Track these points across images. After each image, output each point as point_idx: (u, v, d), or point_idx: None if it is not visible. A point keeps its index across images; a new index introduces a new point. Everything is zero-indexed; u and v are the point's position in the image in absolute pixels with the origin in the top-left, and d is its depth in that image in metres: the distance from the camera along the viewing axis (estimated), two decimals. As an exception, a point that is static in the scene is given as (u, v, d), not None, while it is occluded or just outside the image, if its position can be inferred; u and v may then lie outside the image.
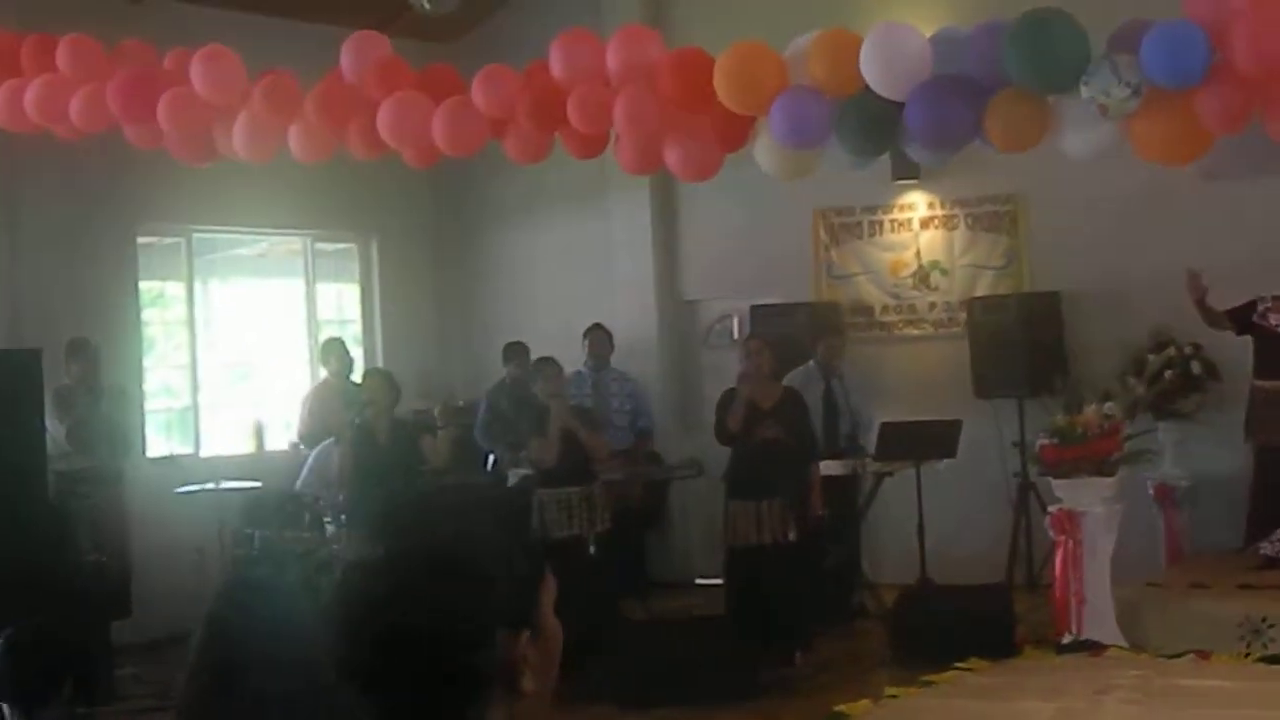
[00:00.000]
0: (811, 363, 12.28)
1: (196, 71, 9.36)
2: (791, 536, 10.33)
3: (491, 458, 13.07)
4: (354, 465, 10.36)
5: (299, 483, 11.74)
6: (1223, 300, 11.25)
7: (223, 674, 2.78)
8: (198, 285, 13.41)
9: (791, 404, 10.75)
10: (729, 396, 10.68)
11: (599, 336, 13.23)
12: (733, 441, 10.64)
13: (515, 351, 13.24)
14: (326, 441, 11.20)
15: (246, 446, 12.88)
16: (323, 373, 13.24)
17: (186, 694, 2.91)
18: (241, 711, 2.66)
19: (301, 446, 12.69)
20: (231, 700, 2.71)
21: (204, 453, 13.04)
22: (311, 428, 12.44)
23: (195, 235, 13.32)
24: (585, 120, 8.75)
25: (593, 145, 9.26)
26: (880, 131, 8.26)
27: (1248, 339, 11.35)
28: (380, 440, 10.44)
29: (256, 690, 2.95)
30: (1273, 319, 11.25)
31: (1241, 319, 11.30)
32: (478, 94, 8.90)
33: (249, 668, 2.95)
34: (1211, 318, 11.29)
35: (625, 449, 12.72)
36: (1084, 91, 7.59)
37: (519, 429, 11.59)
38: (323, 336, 14.05)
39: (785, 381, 11.96)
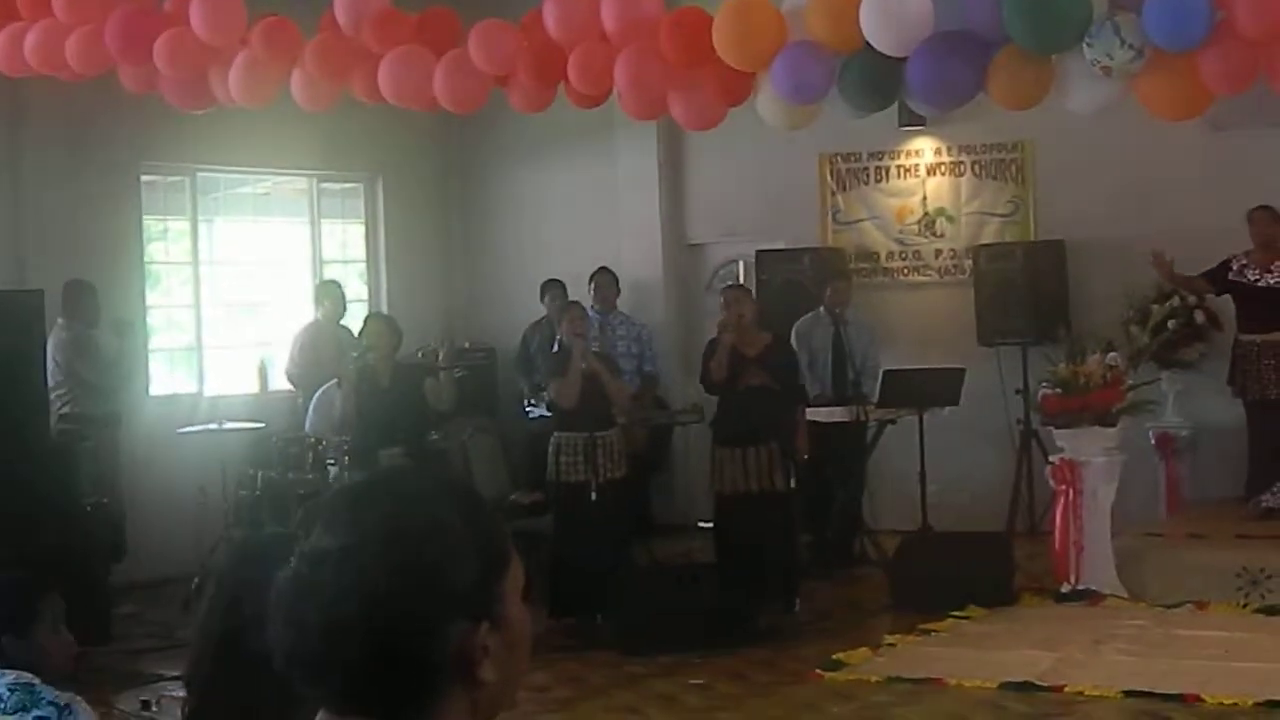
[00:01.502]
0: (821, 309, 12.29)
1: (196, 12, 9.32)
2: (779, 484, 10.35)
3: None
4: (356, 408, 10.39)
5: (307, 425, 11.78)
6: (1232, 248, 11.35)
7: (232, 641, 2.80)
8: (201, 224, 13.39)
9: (778, 351, 10.72)
10: (713, 347, 10.69)
11: (605, 280, 13.25)
12: (717, 390, 10.67)
13: (552, 288, 13.27)
14: (329, 384, 11.22)
15: (250, 386, 12.93)
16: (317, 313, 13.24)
17: (195, 660, 2.94)
18: (251, 678, 2.68)
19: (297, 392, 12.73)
20: (241, 667, 2.73)
21: (207, 392, 13.07)
22: (302, 366, 12.44)
23: (199, 174, 13.30)
24: (587, 81, 8.73)
25: (594, 100, 9.25)
26: (883, 88, 8.23)
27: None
28: (382, 384, 10.47)
29: (266, 656, 2.96)
30: (1250, 274, 11.36)
31: (1219, 279, 11.44)
32: (475, 52, 8.85)
33: (260, 634, 2.96)
34: (1190, 285, 11.48)
35: (631, 394, 12.74)
36: (1087, 54, 7.56)
37: (541, 370, 11.61)
38: (327, 273, 14.04)
39: (796, 327, 12.03)
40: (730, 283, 12.76)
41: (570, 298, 12.58)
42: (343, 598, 1.72)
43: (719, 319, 10.78)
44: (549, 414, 11.17)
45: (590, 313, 12.87)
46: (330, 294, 12.95)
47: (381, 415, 10.31)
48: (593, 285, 13.19)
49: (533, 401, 12.85)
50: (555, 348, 11.35)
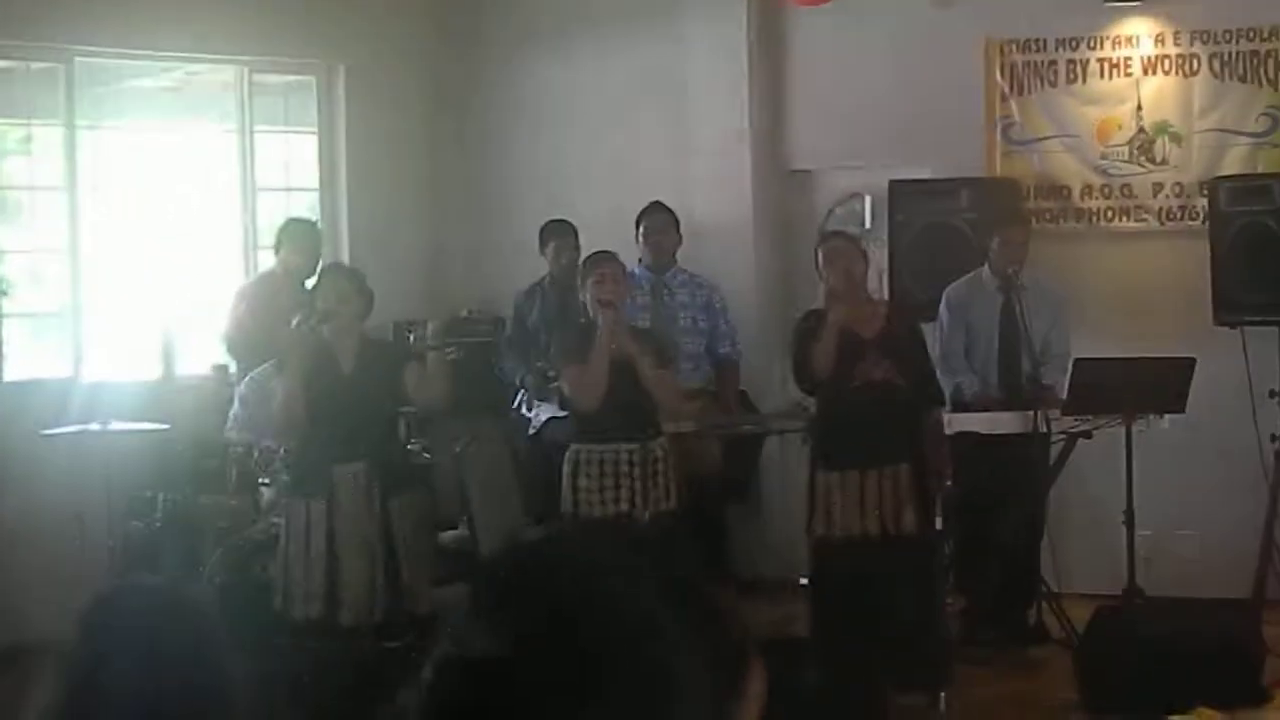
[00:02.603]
0: (985, 268, 12.30)
1: None
2: (910, 525, 10.37)
3: (521, 391, 13.14)
4: (306, 403, 10.39)
5: (228, 424, 11.79)
6: None
7: None
8: (82, 132, 13.41)
9: (903, 331, 10.81)
10: (810, 322, 10.72)
11: (659, 220, 13.23)
12: (821, 388, 10.69)
13: (556, 235, 13.23)
14: (264, 366, 11.22)
15: (149, 370, 12.95)
16: (268, 262, 13.25)
17: None
18: None
19: (230, 369, 12.77)
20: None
21: (87, 376, 13.08)
22: (252, 335, 12.45)
23: (79, 60, 13.30)
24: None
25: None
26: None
27: None
28: (343, 368, 10.47)
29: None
30: None
31: None
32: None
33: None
34: None
35: (699, 388, 12.71)
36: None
37: (550, 350, 11.59)
38: (263, 205, 14.11)
39: (948, 293, 12.03)
40: (834, 229, 12.74)
41: (620, 249, 12.56)
42: None
43: (828, 283, 10.74)
44: (562, 415, 11.16)
45: (639, 269, 12.87)
46: (296, 237, 13.09)
47: (340, 414, 10.30)
48: (642, 229, 13.17)
49: (533, 402, 12.84)
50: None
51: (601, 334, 10.44)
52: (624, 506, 10.37)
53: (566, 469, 10.51)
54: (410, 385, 10.50)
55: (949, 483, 10.77)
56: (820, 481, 10.58)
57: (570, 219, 13.44)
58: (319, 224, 13.60)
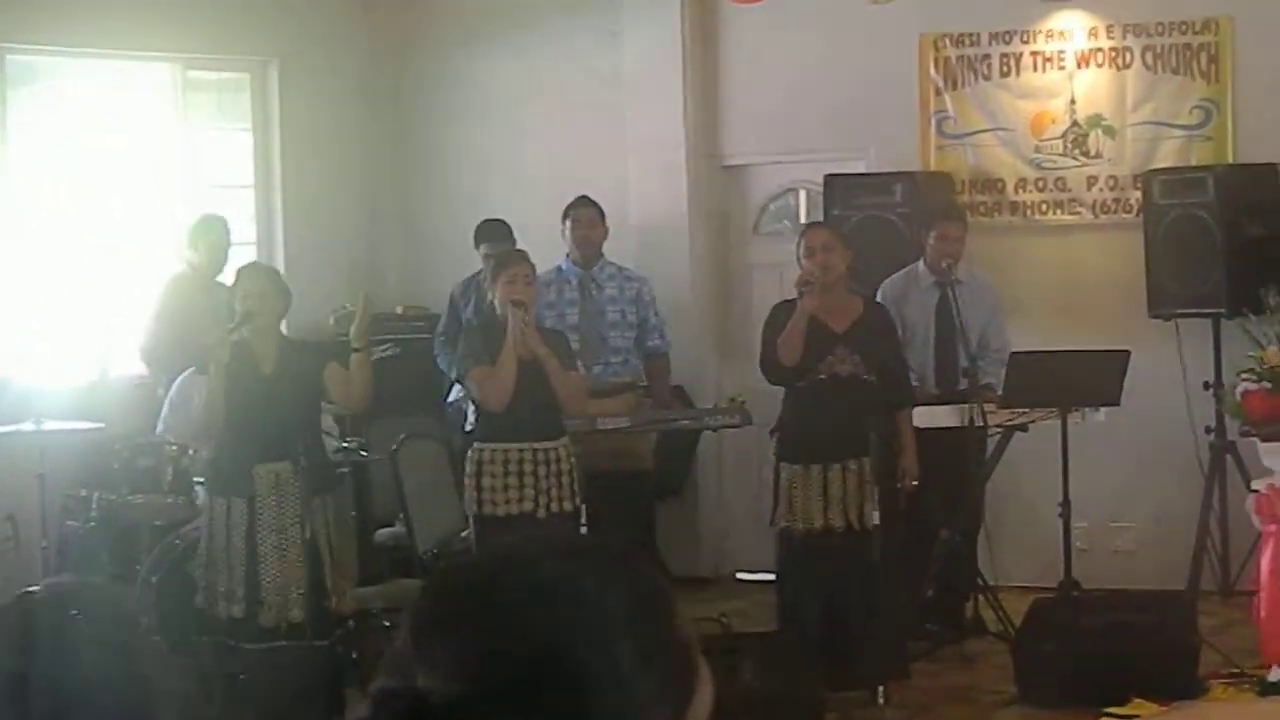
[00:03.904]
0: (920, 263, 12.30)
1: None
2: (871, 519, 10.32)
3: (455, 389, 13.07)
4: (228, 404, 10.29)
5: (160, 425, 11.70)
6: None
7: None
8: (11, 130, 13.29)
9: (875, 324, 10.81)
10: (783, 312, 10.67)
11: (586, 214, 13.15)
12: (789, 379, 10.58)
13: (491, 235, 13.15)
14: (191, 370, 11.12)
15: (83, 371, 12.84)
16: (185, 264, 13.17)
17: None
18: None
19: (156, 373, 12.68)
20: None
21: (20, 377, 12.97)
22: (162, 340, 12.37)
23: (10, 57, 13.23)
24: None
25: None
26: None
27: None
28: (264, 368, 10.37)
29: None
30: None
31: None
32: None
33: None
34: None
35: (628, 382, 12.63)
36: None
37: (461, 350, 11.56)
38: (198, 203, 13.95)
39: (883, 289, 12.03)
40: (813, 220, 12.70)
41: (552, 245, 12.49)
42: None
43: (800, 273, 10.69)
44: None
45: (565, 264, 12.83)
46: (209, 234, 12.94)
47: (261, 415, 10.21)
48: (568, 223, 13.10)
49: (471, 403, 12.78)
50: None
51: (512, 334, 10.37)
52: (527, 506, 10.36)
53: (469, 469, 10.50)
54: (331, 386, 10.43)
55: (915, 482, 10.71)
56: (785, 474, 10.59)
57: (506, 216, 13.31)
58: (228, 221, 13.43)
